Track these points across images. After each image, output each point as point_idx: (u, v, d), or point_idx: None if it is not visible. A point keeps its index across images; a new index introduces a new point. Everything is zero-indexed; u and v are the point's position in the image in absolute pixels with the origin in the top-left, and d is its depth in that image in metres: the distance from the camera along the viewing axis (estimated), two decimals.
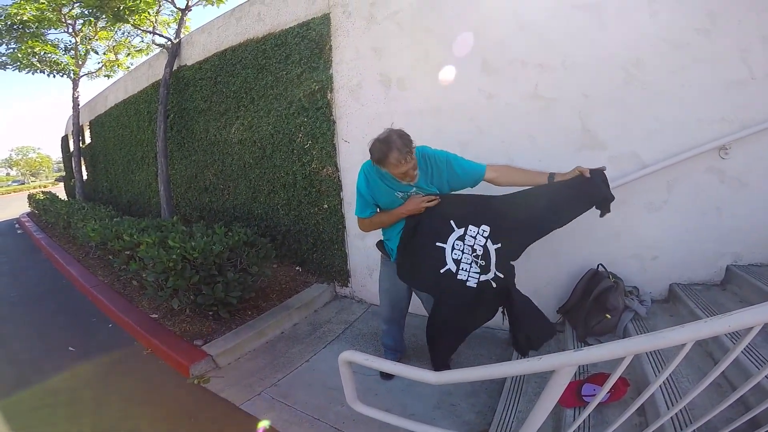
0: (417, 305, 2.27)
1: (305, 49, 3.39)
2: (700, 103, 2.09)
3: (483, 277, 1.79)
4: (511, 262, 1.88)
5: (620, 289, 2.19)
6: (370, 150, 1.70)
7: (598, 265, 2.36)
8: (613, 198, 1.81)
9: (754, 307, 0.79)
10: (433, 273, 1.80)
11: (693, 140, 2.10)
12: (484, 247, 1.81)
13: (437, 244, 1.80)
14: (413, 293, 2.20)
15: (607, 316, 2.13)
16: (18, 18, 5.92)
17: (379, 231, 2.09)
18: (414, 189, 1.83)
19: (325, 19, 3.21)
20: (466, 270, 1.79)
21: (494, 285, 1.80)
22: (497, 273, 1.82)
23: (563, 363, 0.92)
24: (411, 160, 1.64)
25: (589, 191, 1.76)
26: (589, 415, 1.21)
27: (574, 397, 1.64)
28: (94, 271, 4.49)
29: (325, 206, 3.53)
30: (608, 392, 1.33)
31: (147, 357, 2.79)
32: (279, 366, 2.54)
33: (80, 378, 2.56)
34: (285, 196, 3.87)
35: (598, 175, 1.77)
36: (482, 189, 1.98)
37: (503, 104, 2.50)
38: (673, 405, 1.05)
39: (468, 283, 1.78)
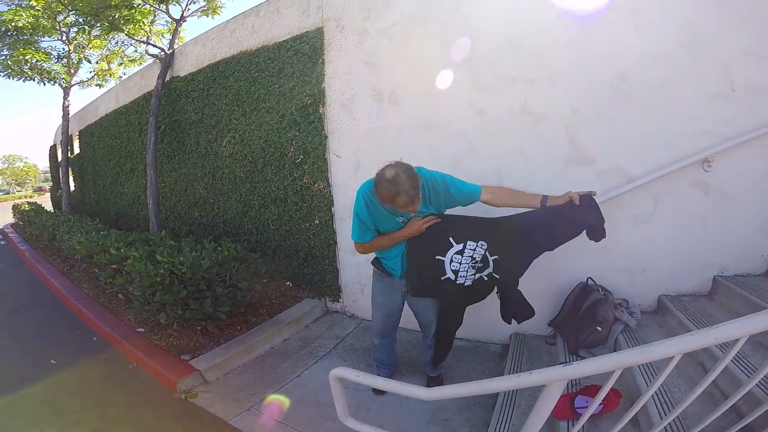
0: (406, 319, 2.27)
1: (298, 63, 3.41)
2: (683, 117, 2.16)
3: (477, 275, 1.96)
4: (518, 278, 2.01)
5: (610, 302, 2.21)
6: (376, 185, 1.69)
7: (587, 279, 2.39)
8: (603, 221, 1.86)
9: (740, 320, 0.81)
10: (435, 281, 1.93)
11: (677, 153, 2.16)
12: (483, 256, 1.93)
13: (436, 257, 1.90)
14: (405, 308, 2.19)
15: (598, 328, 2.14)
16: (13, 24, 5.87)
17: None
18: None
19: (318, 33, 3.24)
20: (464, 276, 1.92)
21: (486, 279, 1.98)
22: (494, 274, 1.95)
23: (553, 378, 0.92)
24: (418, 200, 1.66)
25: (576, 219, 1.83)
26: (582, 427, 1.20)
27: (567, 409, 1.64)
28: (79, 283, 4.41)
29: (317, 221, 3.51)
30: (601, 404, 1.34)
31: (133, 371, 2.74)
32: (269, 381, 2.50)
33: (63, 391, 2.49)
34: (276, 211, 3.84)
35: (587, 200, 1.82)
36: (481, 210, 2.03)
37: (493, 120, 2.55)
38: (666, 415, 1.05)
39: (465, 284, 1.94)
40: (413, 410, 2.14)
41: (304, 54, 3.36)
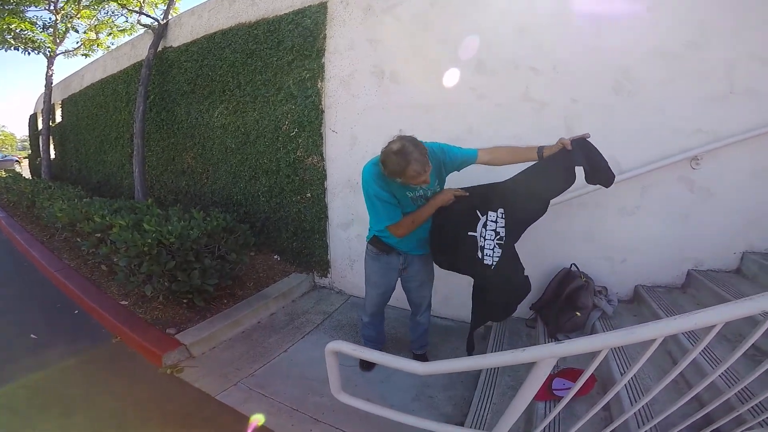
0: (394, 296, 2.28)
1: (298, 37, 3.33)
2: (679, 115, 2.21)
3: (498, 251, 1.89)
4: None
5: (590, 289, 2.30)
6: (383, 163, 1.65)
7: (571, 265, 2.47)
8: (605, 161, 1.78)
9: (717, 307, 0.86)
10: (469, 259, 1.88)
11: (669, 149, 2.23)
12: (504, 227, 1.89)
13: (469, 233, 1.87)
14: (398, 286, 2.22)
15: (577, 313, 2.23)
16: None
17: (365, 225, 2.09)
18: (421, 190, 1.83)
19: (321, 8, 3.17)
20: (489, 255, 1.88)
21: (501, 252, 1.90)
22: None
23: (544, 355, 0.97)
24: (429, 168, 1.63)
25: (567, 164, 1.76)
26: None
27: (545, 390, 1.72)
28: (59, 254, 4.26)
29: (309, 195, 3.49)
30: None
31: (116, 345, 2.68)
32: (256, 356, 2.51)
33: (43, 367, 2.41)
34: (267, 183, 3.81)
35: (580, 143, 1.75)
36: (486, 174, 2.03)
37: (494, 105, 2.56)
38: (636, 401, 1.12)
39: (492, 266, 1.88)
40: (399, 387, 2.20)
41: (305, 28, 3.28)
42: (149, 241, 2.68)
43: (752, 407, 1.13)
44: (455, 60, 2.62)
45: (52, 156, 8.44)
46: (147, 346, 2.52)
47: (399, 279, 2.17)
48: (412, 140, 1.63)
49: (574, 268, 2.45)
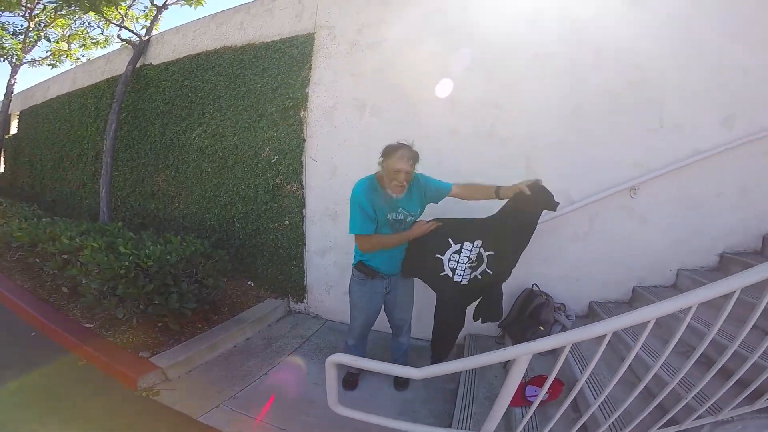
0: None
1: (284, 65, 3.46)
2: (621, 148, 2.59)
3: (473, 274, 2.14)
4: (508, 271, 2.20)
5: (551, 305, 2.56)
6: (383, 150, 1.93)
7: (533, 285, 2.74)
8: (552, 198, 2.02)
9: (648, 307, 1.11)
10: (434, 275, 2.15)
11: (611, 181, 2.59)
12: (479, 254, 2.13)
13: (436, 255, 2.12)
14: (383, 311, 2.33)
15: (541, 328, 2.47)
16: None
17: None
18: (400, 208, 2.02)
19: (309, 39, 3.34)
20: (461, 275, 2.11)
21: (480, 278, 2.15)
22: (487, 270, 2.14)
23: (522, 352, 1.17)
24: (410, 167, 1.87)
25: (532, 205, 2.05)
26: (534, 413, 1.45)
27: (519, 396, 1.90)
28: (11, 274, 3.95)
29: (287, 222, 3.54)
30: (547, 392, 1.60)
31: (84, 368, 2.57)
32: (236, 379, 2.50)
33: (3, 394, 2.26)
34: (243, 209, 3.81)
35: (536, 187, 1.98)
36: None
37: (462, 139, 2.84)
38: (597, 397, 1.33)
39: (462, 282, 2.13)
40: (383, 404, 2.29)
41: (291, 57, 3.42)
42: (126, 264, 2.66)
43: (698, 396, 1.35)
44: (429, 96, 2.88)
45: (1, 170, 7.84)
46: (120, 369, 2.45)
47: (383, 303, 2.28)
48: (412, 148, 1.91)
49: (535, 288, 2.72)
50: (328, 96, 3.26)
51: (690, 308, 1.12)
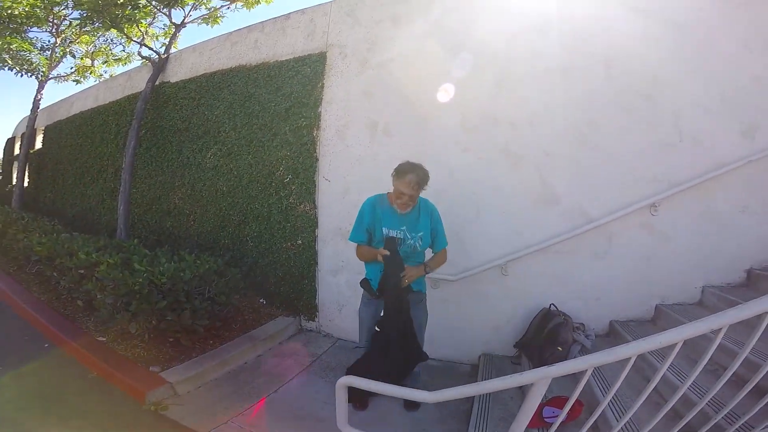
0: None
1: (297, 84, 3.51)
2: (638, 164, 2.54)
3: None
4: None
5: (569, 325, 2.47)
6: (398, 165, 2.05)
7: (550, 305, 2.65)
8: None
9: (676, 329, 1.05)
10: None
11: (631, 198, 2.53)
12: None
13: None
14: None
15: (559, 348, 2.38)
16: (8, 12, 5.57)
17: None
18: (404, 227, 2.11)
19: (321, 57, 3.39)
20: None
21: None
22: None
23: (540, 376, 1.12)
24: (414, 192, 2.00)
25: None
26: None
27: (537, 417, 1.82)
28: (29, 286, 4.06)
29: (299, 242, 3.53)
30: (566, 413, 1.52)
31: (93, 380, 2.58)
32: (245, 396, 2.47)
33: (12, 401, 2.28)
34: (257, 228, 3.82)
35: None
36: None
37: (476, 158, 2.82)
38: (620, 419, 1.26)
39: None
40: (394, 424, 2.23)
41: (304, 76, 3.47)
42: (140, 280, 2.70)
43: (729, 416, 1.27)
44: (442, 114, 2.90)
45: (25, 184, 8.12)
46: (130, 383, 2.45)
47: None
48: (424, 169, 2.04)
49: (553, 308, 2.63)
50: (341, 115, 3.28)
51: (721, 329, 1.06)
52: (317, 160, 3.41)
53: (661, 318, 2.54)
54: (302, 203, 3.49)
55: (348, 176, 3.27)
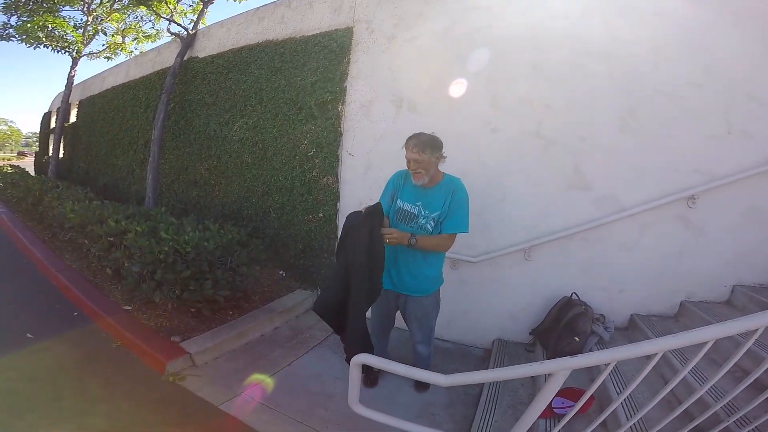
0: (399, 318, 2.34)
1: (324, 59, 3.49)
2: (679, 155, 2.39)
3: None
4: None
5: (589, 316, 2.41)
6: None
7: (572, 294, 2.59)
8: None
9: (710, 326, 0.99)
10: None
11: (668, 188, 2.40)
12: None
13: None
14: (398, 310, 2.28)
15: (576, 339, 2.33)
16: None
17: None
18: (420, 202, 2.03)
19: (347, 32, 3.35)
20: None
21: None
22: None
23: (560, 367, 1.08)
24: (418, 156, 1.91)
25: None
26: (557, 424, 1.36)
27: (546, 408, 1.79)
28: (61, 254, 4.24)
29: (321, 215, 3.57)
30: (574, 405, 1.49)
31: (116, 350, 2.64)
32: (260, 368, 2.51)
33: (40, 367, 2.35)
34: (280, 200, 3.89)
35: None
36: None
37: (506, 139, 2.73)
38: (631, 417, 1.23)
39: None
40: (402, 404, 2.24)
41: (330, 51, 3.44)
42: (165, 249, 2.73)
43: (739, 419, 1.22)
44: (471, 93, 2.79)
45: (61, 155, 8.54)
46: (151, 353, 2.50)
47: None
48: (435, 137, 1.98)
49: (574, 297, 2.56)
50: (366, 90, 3.25)
51: (756, 330, 0.99)
52: (341, 134, 3.40)
53: (684, 315, 2.43)
54: (325, 176, 3.51)
55: (371, 152, 3.25)
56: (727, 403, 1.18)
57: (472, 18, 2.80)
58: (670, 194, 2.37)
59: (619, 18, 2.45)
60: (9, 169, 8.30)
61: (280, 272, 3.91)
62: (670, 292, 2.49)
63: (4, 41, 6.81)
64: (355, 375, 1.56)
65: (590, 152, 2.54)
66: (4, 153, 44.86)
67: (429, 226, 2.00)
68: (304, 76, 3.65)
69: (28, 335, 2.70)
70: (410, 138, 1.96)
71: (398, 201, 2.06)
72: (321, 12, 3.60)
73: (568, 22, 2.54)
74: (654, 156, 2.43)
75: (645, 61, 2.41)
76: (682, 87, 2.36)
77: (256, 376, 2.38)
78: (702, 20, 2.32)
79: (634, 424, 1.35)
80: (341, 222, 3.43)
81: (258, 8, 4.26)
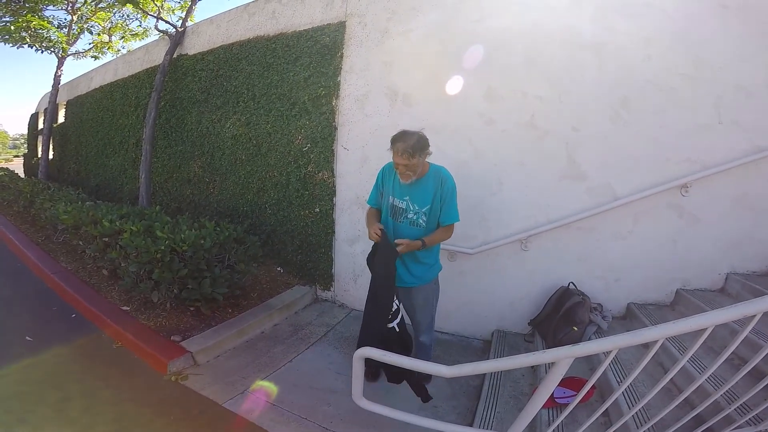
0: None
1: (316, 54, 3.46)
2: (671, 144, 2.42)
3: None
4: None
5: (587, 305, 2.44)
6: (393, 135, 1.95)
7: (569, 283, 2.62)
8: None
9: (709, 312, 1.00)
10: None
11: (660, 177, 2.43)
12: None
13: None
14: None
15: (574, 328, 2.36)
16: None
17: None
18: (407, 197, 2.02)
19: (340, 27, 3.32)
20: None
21: None
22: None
23: (563, 355, 1.09)
24: (406, 161, 1.85)
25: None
26: (560, 413, 1.38)
27: (549, 398, 1.82)
28: (56, 256, 4.20)
29: (317, 210, 3.57)
30: (576, 394, 1.51)
31: (117, 350, 2.64)
32: (261, 365, 2.52)
33: (41, 370, 2.34)
34: (275, 196, 3.87)
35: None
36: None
37: (500, 130, 2.73)
38: (633, 406, 1.25)
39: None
40: (404, 398, 2.21)
41: (323, 45, 3.41)
42: (162, 248, 2.72)
43: (739, 407, 1.25)
44: (465, 86, 2.79)
45: (50, 156, 8.40)
46: (152, 353, 2.49)
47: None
48: (422, 136, 1.90)
49: (572, 286, 2.59)
50: (360, 84, 3.23)
51: (755, 316, 1.01)
52: (336, 129, 3.39)
53: (680, 303, 2.47)
54: (320, 171, 3.50)
55: (366, 145, 3.24)
56: (726, 391, 1.21)
57: (466, 11, 2.79)
58: (664, 183, 2.40)
59: (610, 10, 2.46)
60: None
61: (278, 269, 3.91)
62: (665, 280, 2.53)
63: None
64: (358, 369, 1.57)
65: (584, 142, 2.56)
66: None
67: (421, 221, 2.00)
68: (297, 72, 3.62)
69: (27, 338, 2.70)
70: (396, 140, 1.88)
71: (389, 197, 2.07)
72: (313, 6, 3.57)
73: (560, 15, 2.55)
74: (646, 145, 2.46)
75: (636, 53, 2.43)
76: (673, 78, 2.38)
77: (259, 379, 2.37)
78: (692, 12, 2.34)
79: (636, 413, 1.38)
80: (338, 217, 3.47)
81: (248, 4, 4.20)
